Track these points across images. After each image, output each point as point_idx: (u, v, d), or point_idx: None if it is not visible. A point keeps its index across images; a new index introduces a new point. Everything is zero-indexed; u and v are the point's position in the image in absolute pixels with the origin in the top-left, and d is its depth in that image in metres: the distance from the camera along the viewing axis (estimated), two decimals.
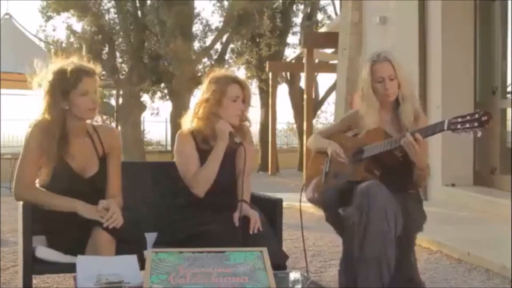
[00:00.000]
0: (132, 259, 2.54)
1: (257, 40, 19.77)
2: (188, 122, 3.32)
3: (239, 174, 3.28)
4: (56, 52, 3.30)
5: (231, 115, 3.23)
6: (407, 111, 3.30)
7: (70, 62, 3.06)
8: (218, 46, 19.04)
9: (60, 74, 3.00)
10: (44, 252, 2.93)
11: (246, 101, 3.29)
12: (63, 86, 2.98)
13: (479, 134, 2.96)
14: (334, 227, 3.39)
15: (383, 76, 3.27)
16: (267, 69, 17.79)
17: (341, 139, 3.47)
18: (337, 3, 19.43)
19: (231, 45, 20.14)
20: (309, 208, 4.84)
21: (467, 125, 2.95)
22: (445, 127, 3.02)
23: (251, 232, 3.04)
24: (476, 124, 2.93)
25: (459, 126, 2.97)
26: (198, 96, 3.32)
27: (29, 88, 3.15)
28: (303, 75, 16.62)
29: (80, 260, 2.49)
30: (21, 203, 2.96)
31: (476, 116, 2.94)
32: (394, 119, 3.36)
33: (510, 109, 7.96)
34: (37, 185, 3.01)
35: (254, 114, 19.54)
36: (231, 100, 3.22)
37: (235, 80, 3.28)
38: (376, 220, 3.02)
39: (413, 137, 3.07)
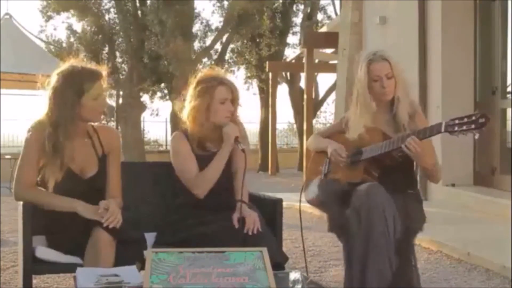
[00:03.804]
0: (133, 269, 2.54)
1: (257, 40, 19.77)
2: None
3: (235, 173, 3.28)
4: (60, 53, 3.30)
5: (221, 118, 3.21)
6: (402, 112, 3.28)
7: (80, 65, 3.04)
8: (218, 46, 19.06)
9: (72, 77, 2.98)
10: (44, 252, 2.93)
11: (235, 102, 3.26)
12: (75, 89, 2.96)
13: (477, 136, 2.94)
14: (335, 230, 3.36)
15: (380, 75, 3.25)
16: (267, 69, 17.78)
17: (339, 140, 3.45)
18: (337, 3, 19.43)
19: (231, 45, 20.14)
20: (309, 208, 4.84)
21: (464, 127, 2.93)
22: (442, 129, 3.01)
23: (250, 233, 3.03)
24: (473, 126, 2.91)
25: (456, 128, 2.95)
26: (187, 100, 3.26)
27: (29, 88, 3.14)
28: (303, 75, 16.61)
29: (80, 271, 2.49)
30: (21, 203, 2.95)
31: (474, 118, 2.92)
32: (391, 119, 3.34)
33: (510, 109, 7.96)
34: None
35: (254, 114, 19.55)
36: (219, 103, 3.20)
37: (222, 82, 3.24)
38: (375, 222, 3.00)
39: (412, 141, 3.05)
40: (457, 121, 2.96)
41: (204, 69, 3.39)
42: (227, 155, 3.23)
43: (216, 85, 3.21)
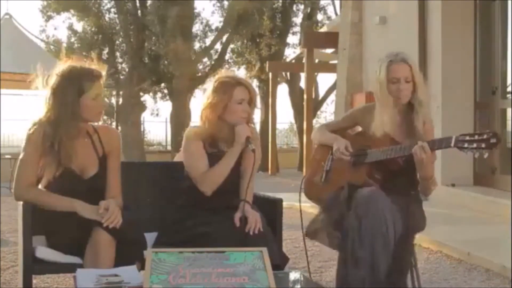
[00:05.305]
0: (133, 269, 2.55)
1: (257, 40, 19.76)
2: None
3: (243, 174, 3.27)
4: (61, 53, 3.29)
5: (237, 118, 3.21)
6: (420, 118, 3.22)
7: (79, 65, 3.04)
8: (218, 46, 19.05)
9: (71, 77, 2.99)
10: (44, 252, 2.93)
11: (252, 103, 3.27)
12: (75, 89, 2.97)
13: (486, 155, 2.91)
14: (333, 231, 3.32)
15: (399, 77, 3.18)
16: (267, 69, 17.77)
17: (344, 137, 3.42)
18: (337, 3, 19.42)
19: (231, 45, 20.13)
20: (309, 208, 4.83)
21: (474, 145, 2.90)
22: (452, 144, 2.97)
23: (251, 232, 3.03)
24: (483, 145, 2.88)
25: (466, 145, 2.92)
26: (203, 98, 3.28)
27: (29, 88, 3.13)
28: (303, 75, 16.60)
29: (80, 272, 2.49)
30: (21, 203, 2.95)
31: (485, 136, 2.89)
32: (404, 123, 3.28)
33: (510, 109, 7.97)
34: (40, 185, 3.02)
35: (254, 114, 19.48)
36: (236, 103, 3.20)
37: (240, 83, 3.24)
38: (376, 229, 2.97)
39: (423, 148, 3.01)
40: (467, 138, 2.93)
41: (222, 70, 3.39)
42: (237, 154, 3.22)
43: (234, 84, 3.22)
